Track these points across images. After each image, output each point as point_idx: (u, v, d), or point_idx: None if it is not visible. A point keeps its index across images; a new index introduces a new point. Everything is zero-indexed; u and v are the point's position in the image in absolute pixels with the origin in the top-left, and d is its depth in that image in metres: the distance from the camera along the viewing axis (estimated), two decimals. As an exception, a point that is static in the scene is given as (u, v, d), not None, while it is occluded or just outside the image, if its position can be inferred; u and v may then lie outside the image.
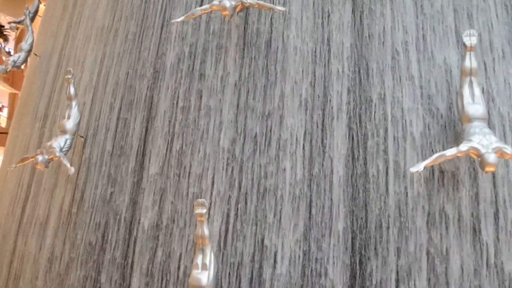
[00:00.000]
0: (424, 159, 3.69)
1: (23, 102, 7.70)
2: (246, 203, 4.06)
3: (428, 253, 3.65)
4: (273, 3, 4.46)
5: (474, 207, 3.71)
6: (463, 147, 3.43)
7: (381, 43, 4.21)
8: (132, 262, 4.40)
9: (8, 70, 7.01)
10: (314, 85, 4.21)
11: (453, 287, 3.55)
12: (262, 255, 3.88)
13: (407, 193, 3.79)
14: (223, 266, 3.93)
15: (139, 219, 4.50)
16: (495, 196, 3.73)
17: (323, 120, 4.11)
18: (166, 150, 4.58)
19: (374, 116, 4.02)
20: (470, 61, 3.70)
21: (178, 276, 4.11)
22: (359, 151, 3.96)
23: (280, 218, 3.92)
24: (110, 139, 5.07)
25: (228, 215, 4.08)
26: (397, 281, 3.63)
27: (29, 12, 7.51)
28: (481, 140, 3.39)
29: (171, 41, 4.99)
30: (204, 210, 3.59)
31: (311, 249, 3.81)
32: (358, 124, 4.04)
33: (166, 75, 4.87)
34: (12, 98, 26.68)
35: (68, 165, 4.66)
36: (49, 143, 4.90)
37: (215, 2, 4.30)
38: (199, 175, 4.31)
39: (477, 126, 3.52)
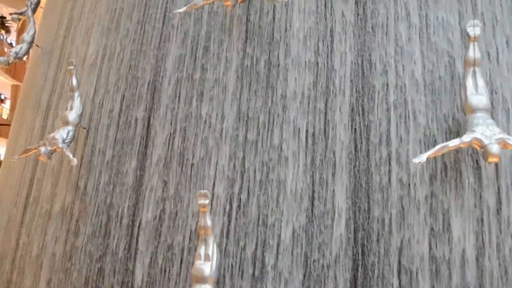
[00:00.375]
0: (427, 150, 3.68)
1: (26, 94, 7.70)
2: (248, 193, 4.06)
3: (430, 244, 3.66)
4: (275, -7, 4.44)
5: (477, 198, 3.71)
6: (466, 138, 3.42)
7: (384, 34, 4.19)
8: (136, 253, 4.42)
9: (10, 61, 6.98)
10: (317, 76, 4.20)
11: (456, 277, 3.56)
12: (264, 246, 3.89)
13: (409, 184, 3.79)
14: (225, 257, 3.95)
15: (142, 210, 4.51)
16: (498, 187, 3.72)
17: (325, 111, 4.09)
18: (169, 141, 4.58)
19: (377, 107, 4.01)
20: (474, 52, 3.68)
21: (181, 266, 4.12)
22: (361, 142, 3.95)
23: (283, 209, 3.93)
24: (112, 131, 5.06)
25: (230, 206, 4.08)
26: (399, 272, 3.64)
27: (31, 3, 7.47)
28: (484, 131, 3.38)
29: (173, 32, 4.97)
30: (207, 201, 3.60)
31: (314, 240, 3.82)
32: (361, 115, 4.03)
33: (168, 65, 4.86)
34: (15, 89, 26.72)
35: (71, 156, 4.66)
36: (51, 135, 4.90)
37: (217, -8, 4.27)
38: (201, 165, 4.31)
39: (480, 117, 3.51)
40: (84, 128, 5.31)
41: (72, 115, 5.03)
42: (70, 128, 4.98)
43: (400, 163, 3.84)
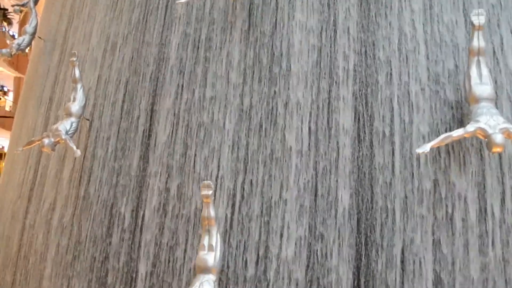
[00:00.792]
0: (430, 140, 3.67)
1: (28, 86, 7.71)
2: (251, 184, 4.07)
3: (434, 234, 3.66)
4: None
5: (481, 188, 3.70)
6: (470, 127, 3.41)
7: (388, 23, 4.16)
8: (139, 244, 4.44)
9: (12, 53, 6.98)
10: (320, 66, 4.18)
11: (459, 266, 3.56)
12: (268, 236, 3.90)
13: (413, 174, 3.79)
14: (229, 247, 3.96)
15: (146, 201, 4.52)
16: (502, 177, 3.72)
17: (329, 101, 4.08)
18: (172, 132, 4.58)
19: (381, 97, 4.00)
20: (478, 41, 3.65)
21: (184, 257, 4.14)
22: (365, 132, 3.95)
23: (286, 199, 3.93)
24: (115, 122, 5.07)
25: (234, 196, 4.09)
26: (403, 262, 3.64)
27: (33, -5, 7.46)
28: (488, 121, 3.37)
29: (176, 22, 4.95)
30: (210, 192, 3.60)
31: (317, 230, 3.82)
32: (364, 105, 4.01)
33: (171, 56, 4.85)
34: (17, 82, 26.74)
35: (74, 147, 4.67)
36: (55, 126, 4.91)
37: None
38: (205, 157, 4.32)
39: (484, 106, 3.49)
40: (87, 120, 5.32)
41: (75, 107, 5.05)
42: (73, 119, 4.99)
43: (403, 153, 3.83)
